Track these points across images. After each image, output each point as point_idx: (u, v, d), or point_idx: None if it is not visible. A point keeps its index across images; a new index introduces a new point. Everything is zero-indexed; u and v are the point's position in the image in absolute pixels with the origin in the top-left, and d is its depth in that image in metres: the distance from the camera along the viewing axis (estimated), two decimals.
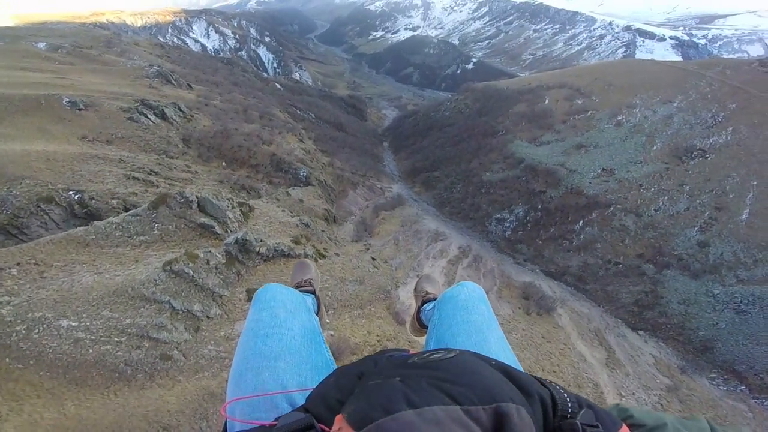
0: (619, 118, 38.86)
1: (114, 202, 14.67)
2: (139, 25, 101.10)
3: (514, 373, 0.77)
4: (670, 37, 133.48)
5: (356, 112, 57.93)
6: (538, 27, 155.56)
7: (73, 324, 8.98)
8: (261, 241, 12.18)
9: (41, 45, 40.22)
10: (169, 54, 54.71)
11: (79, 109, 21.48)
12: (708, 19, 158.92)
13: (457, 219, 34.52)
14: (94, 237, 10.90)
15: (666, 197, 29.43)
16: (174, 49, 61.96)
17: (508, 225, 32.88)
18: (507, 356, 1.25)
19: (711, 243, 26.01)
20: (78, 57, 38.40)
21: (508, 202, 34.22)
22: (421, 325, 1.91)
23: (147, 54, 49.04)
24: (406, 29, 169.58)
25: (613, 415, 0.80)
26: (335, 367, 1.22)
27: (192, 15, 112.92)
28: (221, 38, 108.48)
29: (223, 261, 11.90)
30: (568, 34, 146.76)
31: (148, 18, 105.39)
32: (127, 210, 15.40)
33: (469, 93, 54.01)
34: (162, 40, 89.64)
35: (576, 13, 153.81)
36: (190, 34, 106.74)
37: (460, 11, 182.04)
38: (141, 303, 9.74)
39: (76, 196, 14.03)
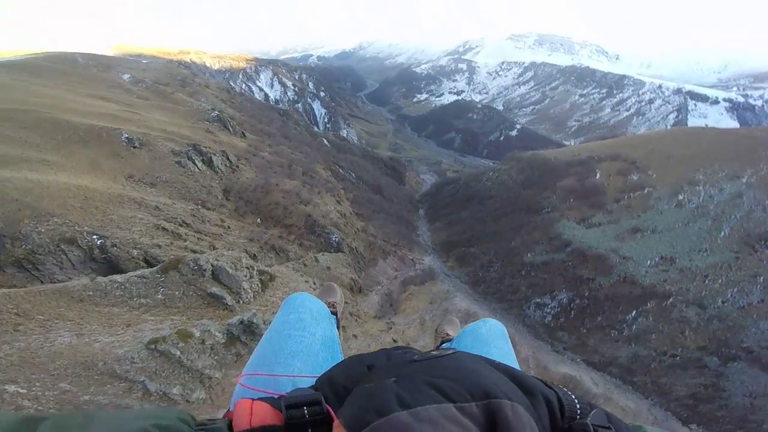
0: (680, 197, 35.38)
1: (135, 252, 14.09)
2: (216, 68, 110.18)
3: (517, 374, 0.76)
4: (724, 99, 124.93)
5: (395, 175, 58.33)
6: (585, 92, 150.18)
7: (22, 391, 7.70)
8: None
9: (126, 77, 44.73)
10: (233, 99, 59.04)
11: (134, 147, 22.33)
12: (762, 77, 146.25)
13: (491, 300, 31.74)
14: (91, 293, 9.97)
15: (736, 289, 26.50)
16: (238, 96, 67.05)
17: (548, 311, 30.20)
18: None
19: None
20: (154, 92, 41.95)
21: (550, 287, 31.64)
22: None
23: (213, 97, 53.10)
24: (450, 93, 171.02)
25: (629, 425, 0.79)
26: None
27: (261, 64, 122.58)
28: (283, 89, 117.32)
29: (223, 341, 10.36)
30: (615, 99, 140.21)
31: (224, 62, 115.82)
32: (146, 261, 14.72)
33: (513, 162, 52.48)
34: (232, 84, 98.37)
35: (624, 77, 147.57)
36: (257, 82, 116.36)
37: (505, 76, 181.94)
38: (110, 380, 8.32)
39: (99, 241, 13.59)
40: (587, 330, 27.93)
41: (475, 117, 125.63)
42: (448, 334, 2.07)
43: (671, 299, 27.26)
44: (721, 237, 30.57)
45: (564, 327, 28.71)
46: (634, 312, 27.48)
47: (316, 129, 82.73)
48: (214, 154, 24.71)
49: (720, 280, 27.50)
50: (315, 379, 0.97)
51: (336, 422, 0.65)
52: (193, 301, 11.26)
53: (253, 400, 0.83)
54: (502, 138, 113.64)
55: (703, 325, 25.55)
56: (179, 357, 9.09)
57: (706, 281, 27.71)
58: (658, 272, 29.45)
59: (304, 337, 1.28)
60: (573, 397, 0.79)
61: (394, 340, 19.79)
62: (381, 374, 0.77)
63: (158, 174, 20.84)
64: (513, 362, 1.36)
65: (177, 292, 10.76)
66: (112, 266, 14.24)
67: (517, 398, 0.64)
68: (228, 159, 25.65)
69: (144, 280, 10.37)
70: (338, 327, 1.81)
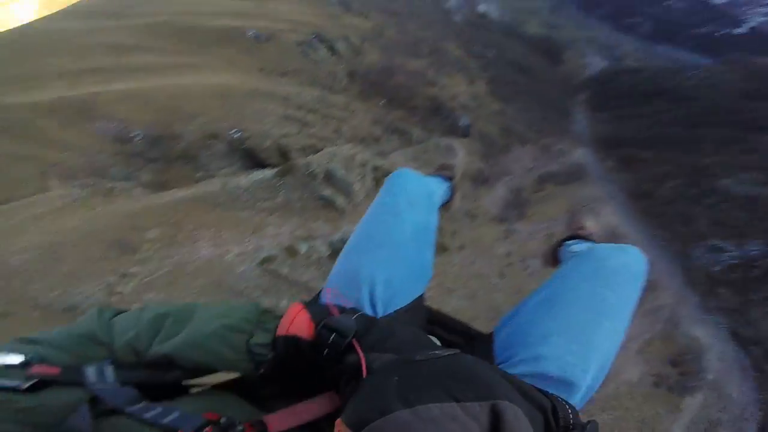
0: None
1: (267, 142, 15.08)
2: None
3: (515, 380, 0.77)
4: None
5: (548, 54, 46.99)
6: None
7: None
8: None
9: None
10: None
11: (261, 42, 23.11)
12: None
13: (651, 223, 25.42)
14: (224, 199, 11.02)
15: None
16: None
17: (723, 260, 22.76)
18: (608, 354, 0.95)
19: None
20: None
21: (741, 231, 23.17)
22: (554, 260, 1.70)
23: None
24: None
25: None
26: (431, 274, 1.20)
27: None
28: None
29: (327, 253, 10.65)
30: None
31: None
32: (278, 150, 15.75)
33: (737, 65, 36.62)
34: None
35: None
36: None
37: None
38: (234, 296, 9.28)
39: (237, 134, 14.86)
40: (758, 299, 21.40)
41: (673, 6, 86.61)
42: (583, 227, 1.69)
43: None
44: None
45: (732, 284, 22.21)
46: None
47: (449, 3, 71.17)
48: (337, 40, 23.81)
49: None
50: (392, 287, 1.00)
51: (338, 420, 0.62)
52: (309, 203, 11.68)
53: (302, 305, 0.85)
54: (717, 34, 77.28)
55: None
56: (287, 274, 9.69)
57: None
58: None
59: (395, 224, 1.18)
60: (567, 406, 0.77)
61: (507, 255, 17.97)
62: (384, 372, 0.72)
63: (286, 65, 21.18)
64: (623, 315, 1.01)
65: (294, 195, 11.20)
66: (250, 156, 15.73)
67: (517, 402, 0.64)
68: (351, 43, 24.53)
69: (264, 183, 11.06)
70: (452, 195, 1.70)
